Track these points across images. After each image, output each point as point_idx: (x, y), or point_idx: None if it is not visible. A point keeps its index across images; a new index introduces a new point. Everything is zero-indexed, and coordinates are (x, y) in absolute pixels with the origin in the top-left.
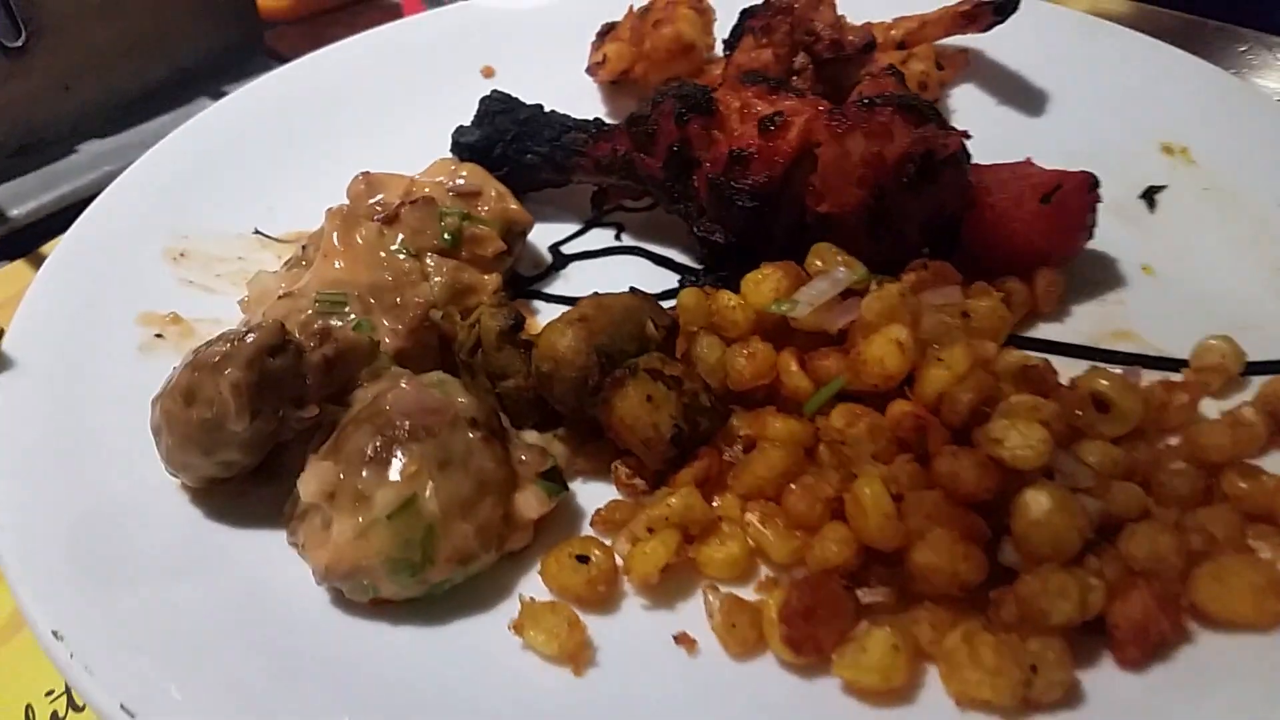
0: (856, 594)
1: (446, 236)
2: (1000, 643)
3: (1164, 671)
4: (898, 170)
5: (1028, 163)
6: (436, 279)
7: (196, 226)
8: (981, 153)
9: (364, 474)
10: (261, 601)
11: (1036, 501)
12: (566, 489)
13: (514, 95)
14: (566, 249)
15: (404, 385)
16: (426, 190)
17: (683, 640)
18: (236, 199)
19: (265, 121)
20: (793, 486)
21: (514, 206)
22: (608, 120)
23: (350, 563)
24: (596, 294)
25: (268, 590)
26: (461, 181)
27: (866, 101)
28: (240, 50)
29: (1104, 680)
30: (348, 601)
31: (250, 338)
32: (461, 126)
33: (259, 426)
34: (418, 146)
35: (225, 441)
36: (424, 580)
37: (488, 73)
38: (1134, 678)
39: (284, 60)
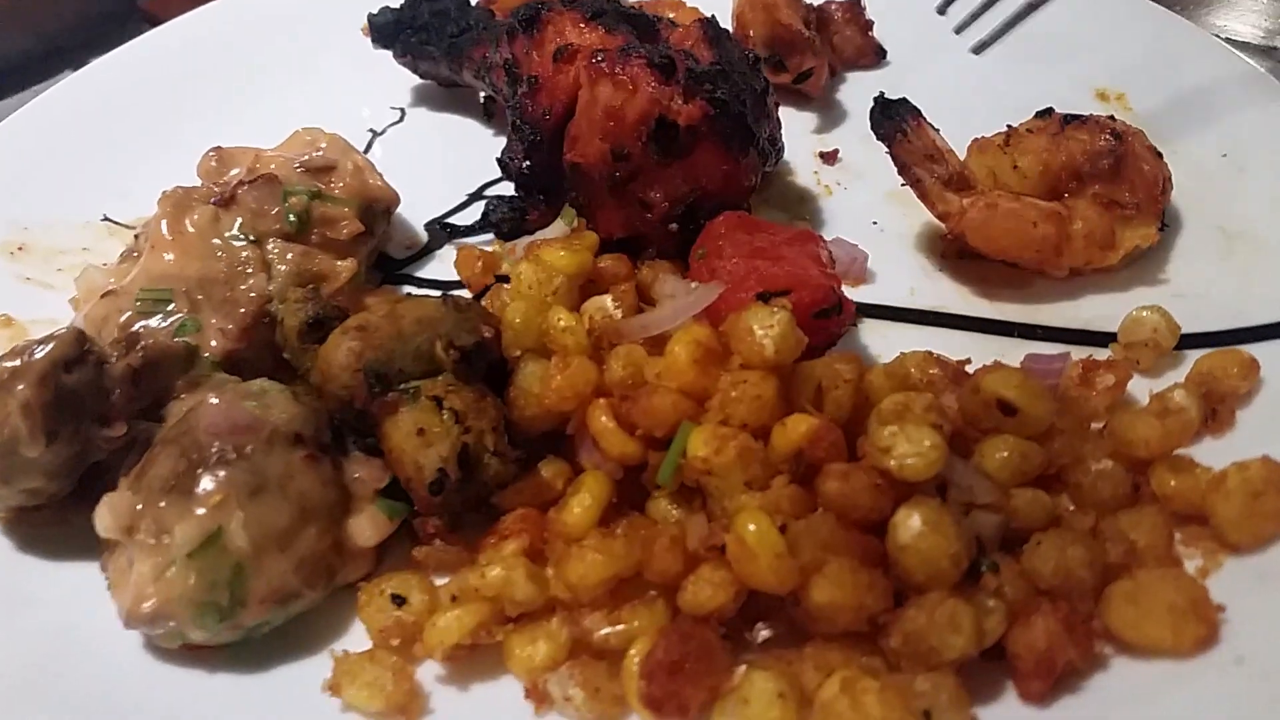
0: (749, 633)
1: (291, 219)
2: (885, 688)
3: (1072, 703)
4: (635, 130)
5: (806, 238)
6: (280, 268)
7: (40, 215)
8: (910, 92)
9: (164, 505)
10: (72, 644)
11: (907, 524)
12: (412, 507)
13: None
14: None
15: (212, 400)
16: (272, 167)
17: (534, 694)
18: (86, 182)
19: (125, 94)
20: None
21: (375, 182)
22: None
23: (151, 607)
24: (405, 297)
25: (79, 631)
26: (318, 154)
27: (625, 48)
28: (113, 18)
29: (1007, 714)
30: (161, 646)
31: (41, 351)
32: (384, 7)
33: (60, 449)
34: (301, 115)
35: (24, 468)
36: (236, 624)
37: (367, 31)
38: (1040, 711)
39: None
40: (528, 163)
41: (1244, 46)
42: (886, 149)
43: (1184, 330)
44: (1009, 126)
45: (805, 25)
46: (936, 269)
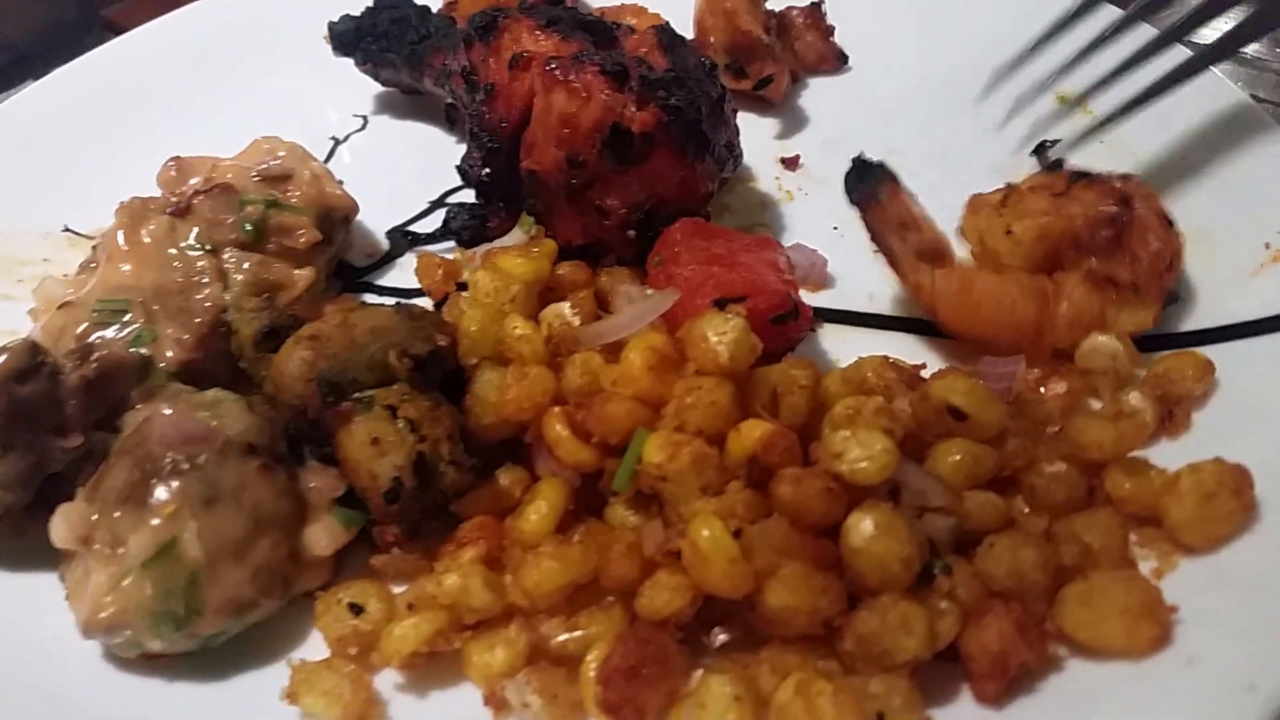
0: (707, 637)
1: (247, 228)
2: (839, 690)
3: (1027, 704)
4: (589, 138)
5: (763, 244)
6: (236, 277)
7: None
8: (865, 106)
9: (118, 515)
10: (31, 654)
11: (859, 528)
12: (370, 516)
13: None
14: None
15: (165, 410)
16: (229, 176)
17: (492, 701)
18: (48, 192)
19: (86, 103)
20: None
21: (333, 190)
22: None
23: (108, 616)
24: (359, 305)
25: (39, 641)
26: (276, 163)
27: (578, 55)
28: (74, 27)
29: (963, 715)
30: (120, 655)
31: None
32: (345, 15)
33: (15, 460)
34: (263, 124)
35: None
36: (193, 633)
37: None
38: (994, 713)
39: None
40: (487, 170)
41: (1196, 46)
42: (859, 214)
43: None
44: (1008, 185)
45: (765, 31)
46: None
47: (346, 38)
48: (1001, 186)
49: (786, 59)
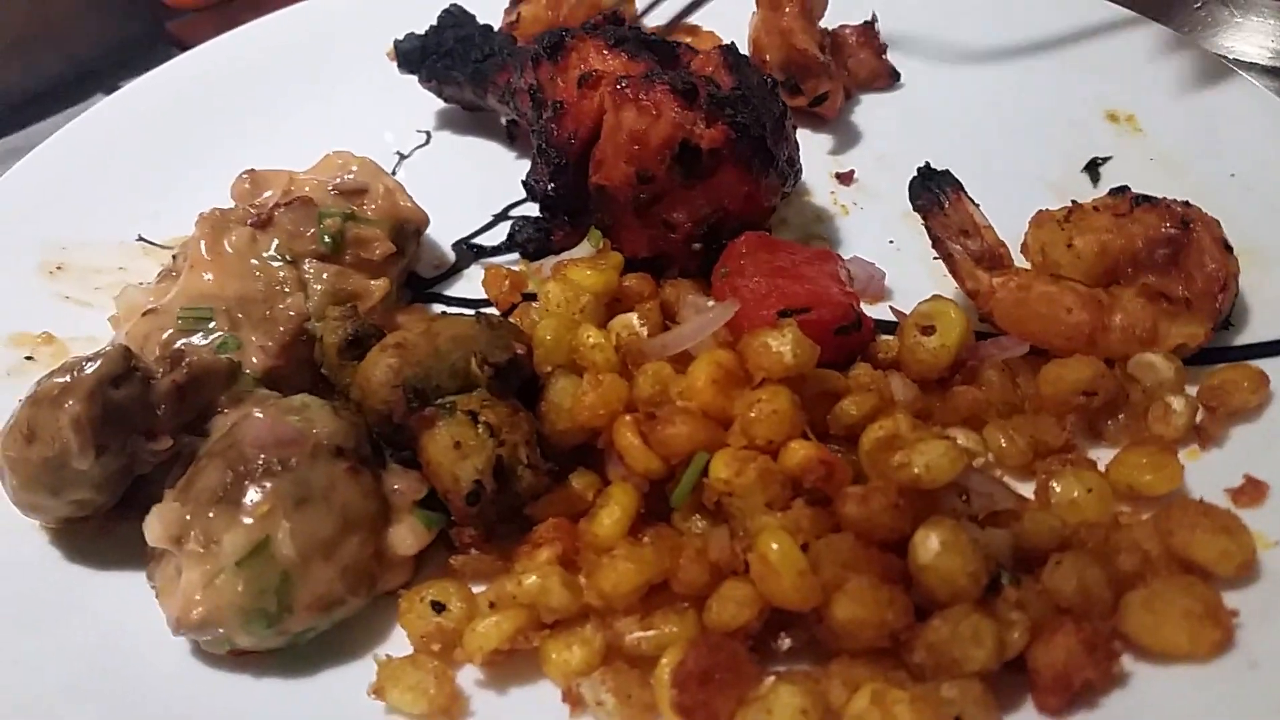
0: (774, 642)
1: (326, 240)
2: (915, 698)
3: (1089, 716)
4: (658, 154)
5: (825, 257)
6: (316, 287)
7: (76, 235)
8: (918, 122)
9: (212, 515)
10: (119, 651)
11: (925, 544)
12: (450, 517)
13: (469, 13)
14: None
15: (257, 414)
16: (306, 190)
17: (570, 697)
18: (121, 203)
19: (156, 117)
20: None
21: (405, 204)
22: None
23: (200, 614)
24: (440, 315)
25: (126, 639)
26: (350, 177)
27: (649, 75)
28: (141, 42)
29: None
30: (209, 651)
31: (90, 367)
32: (409, 34)
33: (107, 462)
34: (327, 138)
35: (73, 480)
36: (283, 630)
37: (394, 56)
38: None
39: None
40: (553, 185)
41: (1250, 67)
42: (922, 221)
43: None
44: (1073, 202)
45: (820, 49)
46: (954, 287)
47: (412, 55)
48: (1060, 203)
49: (840, 77)
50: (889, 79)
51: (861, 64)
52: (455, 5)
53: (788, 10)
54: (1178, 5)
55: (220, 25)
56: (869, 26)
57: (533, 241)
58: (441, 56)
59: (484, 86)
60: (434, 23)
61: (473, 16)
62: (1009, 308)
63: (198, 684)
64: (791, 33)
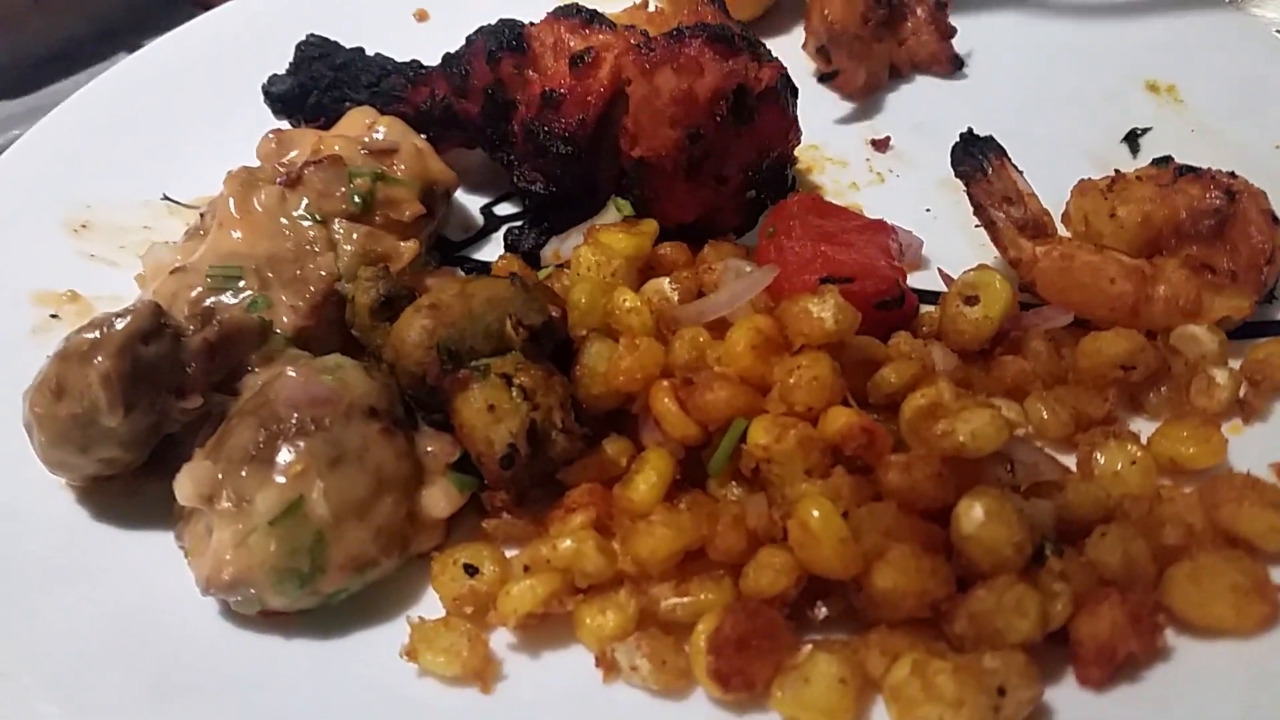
0: (811, 611)
1: (356, 200)
2: (958, 668)
3: (1131, 690)
4: (711, 108)
5: (878, 228)
6: (345, 248)
7: (101, 194)
8: (954, 90)
9: (244, 474)
10: (147, 612)
11: (969, 514)
12: (482, 481)
13: (332, 39)
14: (500, 210)
15: (290, 373)
16: (336, 148)
17: (604, 662)
18: (146, 162)
19: (181, 76)
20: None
21: (435, 164)
22: None
23: (231, 574)
24: (474, 277)
25: (154, 599)
26: (379, 136)
27: (676, 33)
28: (163, 1)
29: (1066, 694)
30: (238, 612)
31: (120, 323)
32: (274, 75)
33: (136, 420)
34: None
35: (101, 437)
36: (315, 591)
37: (422, 16)
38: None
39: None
40: (558, 181)
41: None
42: (964, 187)
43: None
44: (1116, 171)
45: (864, 21)
46: (992, 255)
47: (290, 97)
48: (1099, 174)
49: (885, 55)
50: (949, 65)
51: (923, 45)
52: (313, 35)
53: None
54: None
55: None
56: (941, 8)
57: (537, 248)
58: (325, 90)
59: (389, 109)
60: (293, 60)
61: (336, 43)
62: (1052, 277)
63: (227, 645)
64: (832, 2)
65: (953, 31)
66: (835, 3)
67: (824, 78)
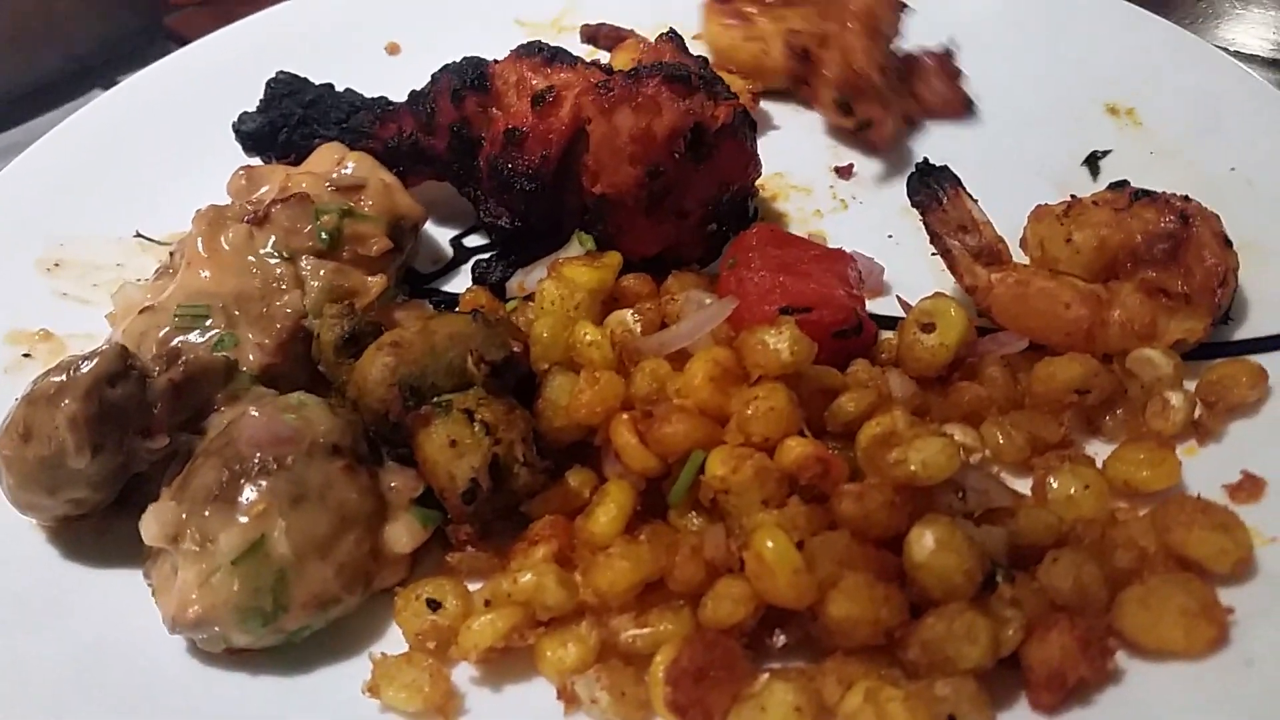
0: (770, 639)
1: (323, 236)
2: (909, 696)
3: (1084, 713)
4: (669, 146)
5: (836, 257)
6: (313, 284)
7: (74, 231)
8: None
9: (207, 514)
10: (116, 650)
11: (920, 542)
12: (446, 515)
13: (302, 76)
14: (470, 241)
15: (253, 412)
16: (303, 185)
17: (565, 695)
18: (119, 199)
19: (154, 113)
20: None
21: (403, 199)
22: None
23: (196, 613)
24: (436, 312)
25: (123, 637)
26: (347, 171)
27: (633, 72)
28: (140, 38)
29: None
30: (205, 650)
31: (87, 366)
32: (244, 113)
33: (104, 461)
34: None
35: (70, 479)
36: (279, 629)
37: (393, 50)
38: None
39: None
40: (522, 216)
41: (1252, 59)
42: (920, 216)
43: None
44: (1072, 196)
45: (882, 72)
46: (952, 281)
47: (261, 134)
48: (1060, 197)
49: (901, 104)
50: (963, 110)
51: (934, 92)
52: (282, 72)
53: (851, 26)
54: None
55: (219, 19)
56: (947, 55)
57: (504, 280)
58: (295, 127)
59: (357, 145)
60: (263, 97)
61: (305, 79)
62: (1007, 303)
63: (194, 682)
64: (852, 51)
65: (958, 74)
66: (855, 53)
67: (861, 127)
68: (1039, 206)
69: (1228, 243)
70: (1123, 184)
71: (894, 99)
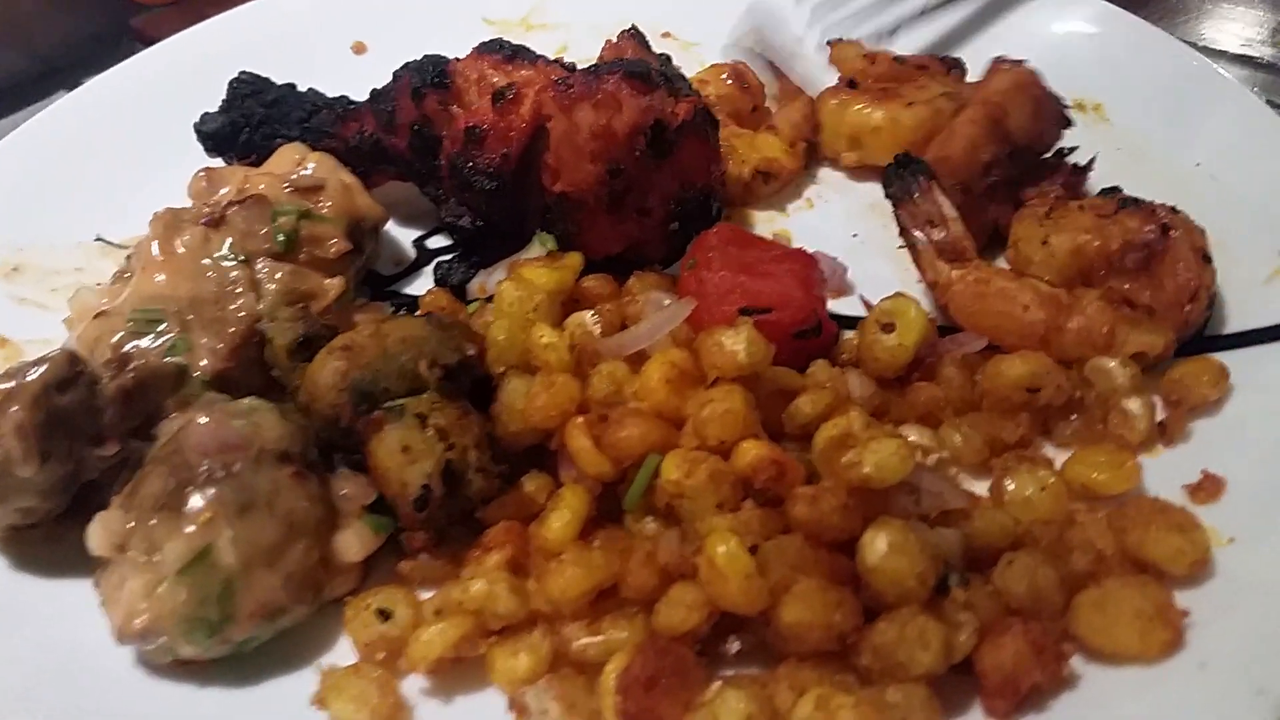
0: (724, 646)
1: (280, 238)
2: (860, 702)
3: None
4: (629, 143)
5: (798, 257)
6: (269, 287)
7: (34, 236)
8: None
9: (154, 523)
10: (66, 660)
11: (873, 545)
12: (397, 522)
13: (264, 76)
14: (433, 243)
15: (201, 419)
16: (261, 187)
17: (515, 706)
18: (80, 203)
19: (118, 114)
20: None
21: (363, 200)
22: None
23: (143, 623)
24: (391, 315)
25: (71, 649)
26: (307, 172)
27: (594, 69)
28: (106, 39)
29: None
30: (153, 661)
31: (35, 373)
32: (206, 113)
33: (53, 469)
34: None
35: (18, 487)
36: (226, 639)
37: (359, 49)
38: None
39: None
40: (484, 215)
41: (1220, 55)
42: (892, 208)
43: None
44: (1056, 198)
45: (985, 170)
46: (915, 280)
47: (222, 135)
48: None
49: (995, 216)
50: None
51: None
52: (244, 72)
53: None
54: None
55: (186, 20)
56: (1080, 172)
57: (466, 281)
58: (256, 127)
59: (319, 144)
60: (225, 97)
61: (267, 80)
62: (966, 301)
63: (142, 693)
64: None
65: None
66: (955, 140)
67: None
68: (1025, 206)
69: (1206, 259)
70: (1114, 190)
71: (984, 209)
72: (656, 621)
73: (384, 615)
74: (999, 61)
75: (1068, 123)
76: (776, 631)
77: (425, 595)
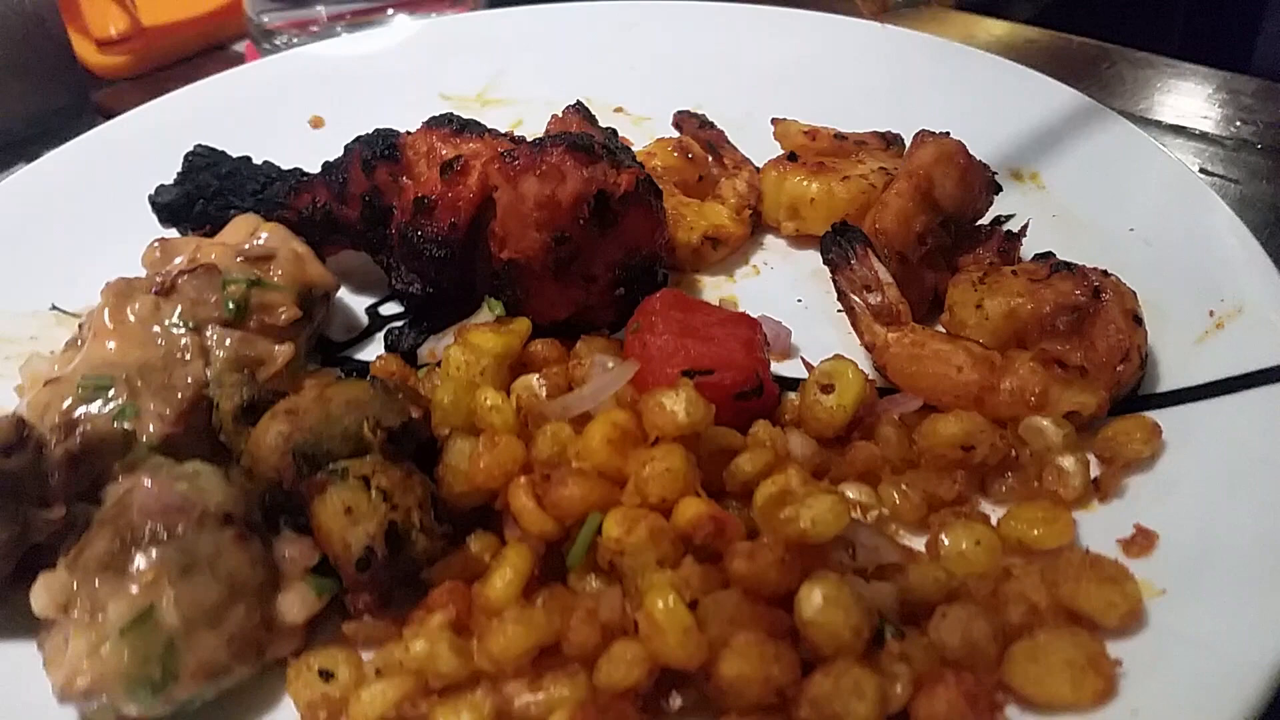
0: (665, 701)
1: (230, 306)
2: None
3: None
4: (574, 212)
5: (740, 320)
6: (218, 354)
7: None
8: None
9: (98, 583)
10: None
11: (809, 599)
12: (342, 583)
13: (219, 149)
14: (386, 310)
15: (146, 482)
16: (212, 256)
17: None
18: (36, 273)
19: (76, 185)
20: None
21: (314, 268)
22: None
23: (85, 683)
24: (336, 380)
25: (12, 710)
26: (260, 242)
27: (539, 142)
28: (68, 112)
29: None
30: None
31: None
32: (161, 185)
33: None
34: None
35: None
36: (169, 699)
37: (317, 123)
38: None
39: None
40: (434, 283)
41: (1155, 125)
42: (830, 275)
43: None
44: (991, 263)
45: (920, 241)
46: (858, 344)
47: (177, 206)
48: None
49: (932, 284)
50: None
51: None
52: (200, 145)
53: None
54: (1087, 65)
55: (148, 94)
56: (1012, 238)
57: (416, 347)
58: (211, 199)
59: (273, 215)
60: (180, 170)
61: (223, 152)
62: (902, 363)
63: None
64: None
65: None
66: (887, 211)
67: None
68: (959, 272)
69: (1137, 320)
70: (1047, 255)
71: (920, 278)
72: (598, 678)
73: (325, 675)
74: (924, 133)
75: (997, 188)
76: (716, 686)
77: (368, 656)
